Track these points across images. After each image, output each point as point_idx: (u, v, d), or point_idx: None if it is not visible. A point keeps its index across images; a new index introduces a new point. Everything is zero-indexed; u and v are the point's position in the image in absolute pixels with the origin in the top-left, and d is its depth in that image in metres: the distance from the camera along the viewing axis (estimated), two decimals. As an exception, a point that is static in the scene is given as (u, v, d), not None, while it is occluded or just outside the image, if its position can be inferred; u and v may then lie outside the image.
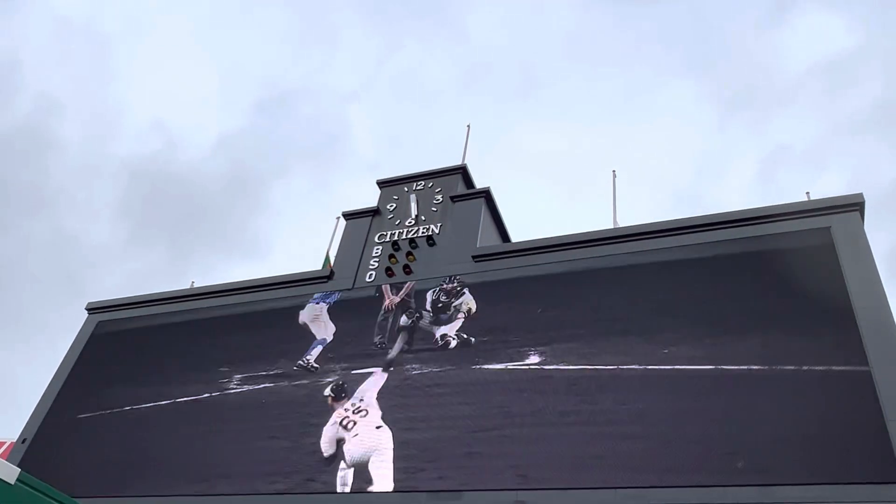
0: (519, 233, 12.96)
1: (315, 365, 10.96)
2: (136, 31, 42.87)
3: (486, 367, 9.62)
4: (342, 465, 9.52)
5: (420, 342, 10.49)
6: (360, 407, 10.05)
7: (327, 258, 13.27)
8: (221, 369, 11.65)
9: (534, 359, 9.35)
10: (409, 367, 10.21)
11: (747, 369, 8.07)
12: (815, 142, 35.63)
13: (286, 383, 10.98)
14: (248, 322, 12.30)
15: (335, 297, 11.87)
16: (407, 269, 11.57)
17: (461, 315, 10.42)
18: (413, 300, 11.12)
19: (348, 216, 13.35)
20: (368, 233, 12.68)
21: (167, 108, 44.60)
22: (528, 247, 10.93)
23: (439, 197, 12.66)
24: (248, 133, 43.62)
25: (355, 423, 9.88)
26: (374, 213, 13.05)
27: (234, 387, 11.34)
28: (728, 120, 38.04)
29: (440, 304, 10.80)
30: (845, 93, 34.47)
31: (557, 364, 9.14)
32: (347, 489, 9.20)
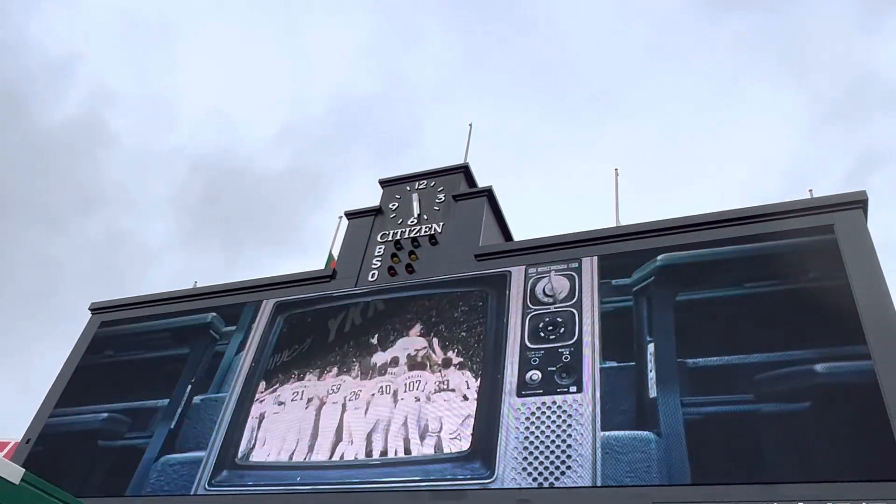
0: (522, 231, 12.97)
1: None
2: (199, 25, 42.00)
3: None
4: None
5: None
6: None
7: (330, 257, 13.29)
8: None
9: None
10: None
11: (748, 367, 8.06)
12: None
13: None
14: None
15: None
16: (409, 269, 11.57)
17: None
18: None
19: (350, 215, 13.36)
20: (371, 232, 12.69)
21: (230, 102, 43.57)
22: (529, 245, 10.92)
23: (441, 196, 12.67)
24: (313, 131, 42.67)
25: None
26: (376, 212, 13.06)
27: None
28: (819, 126, 36.81)
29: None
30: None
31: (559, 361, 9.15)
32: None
